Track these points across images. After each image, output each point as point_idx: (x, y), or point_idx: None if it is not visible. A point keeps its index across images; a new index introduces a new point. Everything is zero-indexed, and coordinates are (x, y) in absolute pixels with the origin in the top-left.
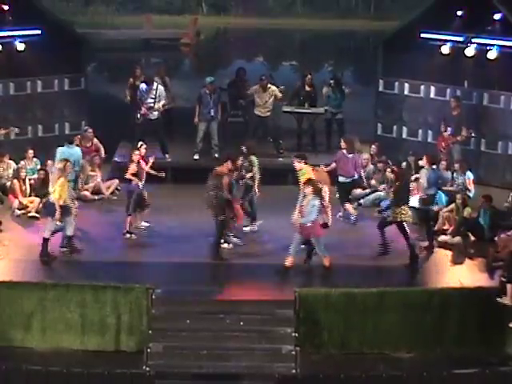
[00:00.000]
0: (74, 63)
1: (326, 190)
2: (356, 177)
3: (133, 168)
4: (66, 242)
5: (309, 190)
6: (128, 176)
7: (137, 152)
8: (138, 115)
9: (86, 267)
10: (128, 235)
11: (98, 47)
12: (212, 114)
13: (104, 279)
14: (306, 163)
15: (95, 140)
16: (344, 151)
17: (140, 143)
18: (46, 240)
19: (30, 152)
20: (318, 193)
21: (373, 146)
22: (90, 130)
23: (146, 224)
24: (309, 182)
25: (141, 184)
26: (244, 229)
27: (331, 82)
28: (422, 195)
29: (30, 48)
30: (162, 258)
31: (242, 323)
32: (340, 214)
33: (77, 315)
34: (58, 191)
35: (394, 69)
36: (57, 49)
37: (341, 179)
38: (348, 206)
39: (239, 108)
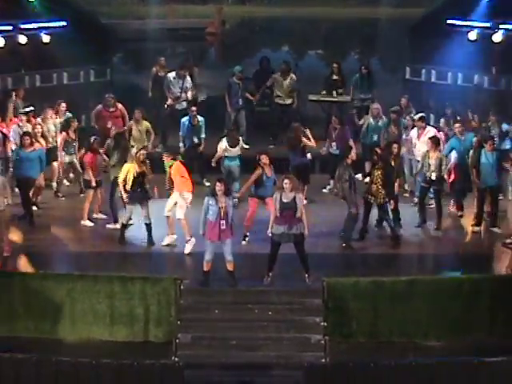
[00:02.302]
0: (100, 54)
1: (301, 197)
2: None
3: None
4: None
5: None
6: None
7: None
8: (165, 105)
9: (113, 258)
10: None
11: (123, 38)
12: (240, 103)
13: (132, 270)
14: (173, 159)
15: (120, 105)
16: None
17: (93, 138)
18: (123, 226)
19: (63, 105)
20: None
21: (402, 99)
22: (112, 96)
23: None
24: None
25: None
26: None
27: (362, 68)
28: None
29: (55, 40)
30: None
31: (270, 313)
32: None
33: (105, 306)
34: (120, 176)
35: (420, 56)
36: (82, 40)
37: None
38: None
39: (265, 97)
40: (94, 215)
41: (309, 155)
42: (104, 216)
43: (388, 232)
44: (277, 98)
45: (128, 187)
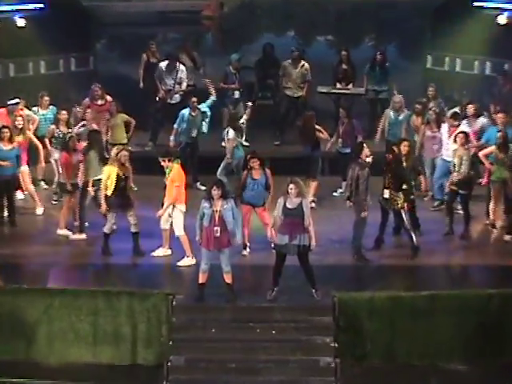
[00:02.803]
0: (82, 41)
1: (307, 204)
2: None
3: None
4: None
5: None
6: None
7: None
8: (157, 98)
9: (98, 270)
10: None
11: (107, 22)
12: (237, 95)
13: (118, 284)
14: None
15: (109, 98)
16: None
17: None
18: (107, 235)
19: (46, 99)
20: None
21: (430, 88)
22: (99, 86)
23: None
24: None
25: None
26: None
27: (377, 54)
28: None
29: (31, 24)
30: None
31: (274, 332)
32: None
33: (87, 325)
34: (102, 181)
35: (443, 43)
36: (61, 25)
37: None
38: None
39: (268, 89)
40: (75, 223)
41: (329, 144)
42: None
43: (407, 241)
44: (285, 90)
45: (109, 192)
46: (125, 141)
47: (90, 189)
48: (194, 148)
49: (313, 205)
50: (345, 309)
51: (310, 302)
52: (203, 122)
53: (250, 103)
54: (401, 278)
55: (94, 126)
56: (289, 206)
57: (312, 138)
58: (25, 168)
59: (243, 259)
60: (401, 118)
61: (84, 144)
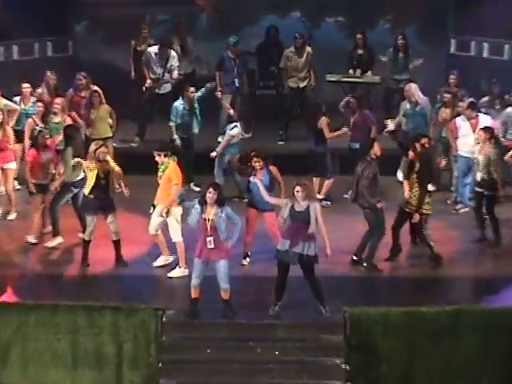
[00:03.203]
0: (59, 23)
1: (316, 207)
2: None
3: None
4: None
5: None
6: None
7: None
8: (144, 88)
9: (77, 282)
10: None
11: (88, 1)
12: (237, 84)
13: (100, 298)
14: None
15: (96, 88)
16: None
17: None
18: (86, 242)
19: (27, 86)
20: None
21: (451, 76)
22: (83, 75)
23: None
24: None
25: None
26: None
27: (399, 38)
28: None
29: (2, 4)
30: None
31: (277, 352)
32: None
33: (66, 344)
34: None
35: (469, 25)
36: (36, 5)
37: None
38: None
39: (271, 77)
40: (44, 230)
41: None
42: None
43: (426, 249)
44: (289, 80)
45: (86, 192)
46: (109, 135)
47: (53, 189)
48: (189, 144)
49: (323, 203)
50: (357, 326)
51: (317, 318)
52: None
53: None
54: (420, 290)
55: (68, 120)
56: (296, 208)
57: (313, 128)
58: (11, 165)
59: (243, 270)
60: (418, 109)
61: (57, 140)
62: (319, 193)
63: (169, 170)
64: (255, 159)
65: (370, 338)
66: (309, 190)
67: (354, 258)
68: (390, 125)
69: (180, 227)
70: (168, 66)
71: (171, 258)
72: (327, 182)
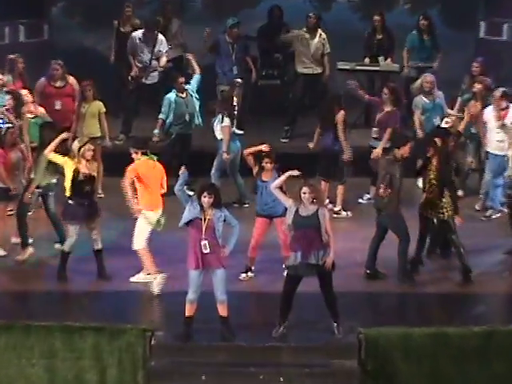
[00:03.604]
0: (33, 4)
1: (325, 213)
2: None
3: None
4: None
5: None
6: None
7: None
8: (130, 78)
9: (53, 299)
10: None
11: None
12: (235, 71)
13: (80, 317)
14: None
15: (71, 78)
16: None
17: None
18: (65, 254)
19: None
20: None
21: (474, 64)
22: (59, 63)
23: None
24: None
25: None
26: None
27: (421, 19)
28: None
29: None
30: (163, 287)
31: (281, 379)
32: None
33: (42, 370)
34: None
35: (501, 6)
36: None
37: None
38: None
39: (275, 65)
40: (13, 239)
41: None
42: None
43: (449, 262)
44: (300, 66)
45: (68, 193)
46: (98, 134)
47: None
48: (187, 142)
49: (343, 214)
50: (373, 349)
51: (328, 340)
52: (196, 109)
53: (239, 80)
54: (445, 309)
55: (42, 111)
56: (302, 213)
57: (330, 124)
58: None
59: (243, 284)
60: (438, 101)
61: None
62: (331, 202)
63: (130, 169)
64: (266, 159)
65: (389, 362)
66: (318, 193)
67: (368, 271)
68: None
69: (145, 235)
70: (155, 51)
71: (156, 275)
72: (341, 188)
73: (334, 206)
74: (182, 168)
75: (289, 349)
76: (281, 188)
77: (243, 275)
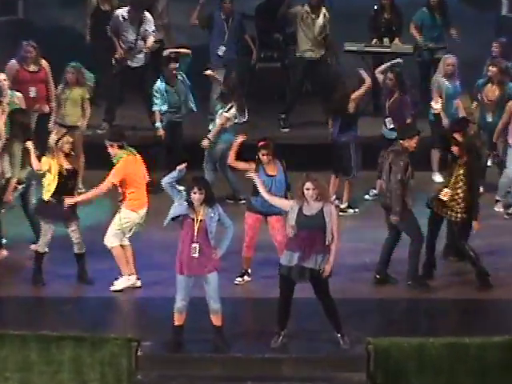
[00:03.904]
0: None
1: (332, 211)
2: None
3: None
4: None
5: None
6: None
7: None
8: (113, 60)
9: (28, 306)
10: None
11: None
12: (221, 52)
13: (58, 326)
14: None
15: (44, 62)
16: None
17: None
18: (39, 255)
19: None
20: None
21: (494, 44)
22: (32, 44)
23: None
24: None
25: None
26: None
27: None
28: None
29: None
30: (152, 292)
31: None
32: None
33: None
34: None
35: None
36: None
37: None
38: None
39: (274, 46)
40: None
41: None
42: None
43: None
44: (301, 49)
45: (46, 196)
46: (79, 123)
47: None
48: (178, 132)
49: (349, 212)
50: (384, 361)
51: (333, 351)
52: (189, 95)
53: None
54: (463, 316)
55: (16, 101)
56: (306, 212)
57: (342, 113)
58: None
59: (239, 289)
60: (458, 85)
61: None
62: (339, 198)
63: (117, 167)
64: (263, 151)
65: (401, 376)
66: (322, 188)
67: (377, 276)
68: (437, 105)
69: (121, 232)
70: (141, 31)
71: (134, 280)
72: (348, 184)
73: (340, 203)
74: (183, 165)
75: (289, 360)
76: None
77: (239, 279)
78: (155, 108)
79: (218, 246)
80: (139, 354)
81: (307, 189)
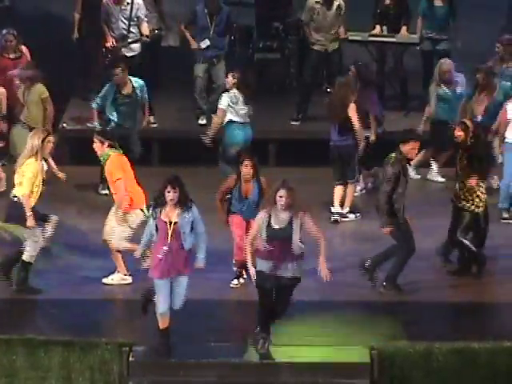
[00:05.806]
0: None
1: (302, 221)
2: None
3: None
4: (19, 271)
5: None
6: None
7: None
8: (104, 50)
9: (13, 308)
10: None
11: None
12: (218, 49)
13: (45, 330)
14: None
15: (24, 49)
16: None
17: None
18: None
19: None
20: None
21: (498, 45)
22: (13, 32)
23: None
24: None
25: None
26: None
27: None
28: None
29: None
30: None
31: None
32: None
33: None
34: (26, 182)
35: None
36: None
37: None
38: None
39: (274, 36)
40: None
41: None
42: None
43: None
44: (313, 43)
45: (33, 200)
46: (39, 124)
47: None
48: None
49: (351, 217)
50: (388, 367)
51: (335, 355)
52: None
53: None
54: (471, 320)
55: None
56: (275, 225)
57: (340, 114)
58: None
59: (234, 292)
60: (460, 91)
61: None
62: (342, 205)
63: (108, 164)
64: (247, 161)
65: (406, 382)
66: (293, 198)
67: (366, 264)
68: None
69: (129, 235)
70: (133, 16)
71: (128, 279)
72: (350, 188)
73: (342, 208)
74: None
75: (289, 366)
76: None
77: (235, 281)
78: (93, 105)
79: (198, 255)
80: (131, 359)
81: (280, 196)
